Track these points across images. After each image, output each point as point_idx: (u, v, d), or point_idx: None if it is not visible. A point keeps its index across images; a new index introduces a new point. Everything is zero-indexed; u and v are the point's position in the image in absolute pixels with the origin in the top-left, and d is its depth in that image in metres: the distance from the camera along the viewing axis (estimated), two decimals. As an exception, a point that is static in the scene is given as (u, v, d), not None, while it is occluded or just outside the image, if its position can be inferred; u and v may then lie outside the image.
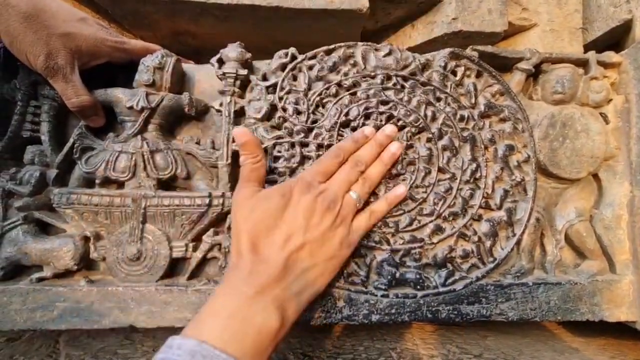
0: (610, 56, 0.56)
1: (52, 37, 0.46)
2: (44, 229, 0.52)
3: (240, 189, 0.44)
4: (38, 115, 0.52)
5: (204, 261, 0.52)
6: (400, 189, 0.50)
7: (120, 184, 0.52)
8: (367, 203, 0.49)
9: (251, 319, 0.35)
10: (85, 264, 0.51)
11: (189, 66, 0.58)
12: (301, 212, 0.41)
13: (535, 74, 0.57)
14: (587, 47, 0.71)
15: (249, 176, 0.45)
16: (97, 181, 0.51)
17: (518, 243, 0.54)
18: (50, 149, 0.52)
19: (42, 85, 0.52)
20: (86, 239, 0.50)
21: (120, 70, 0.56)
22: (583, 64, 0.56)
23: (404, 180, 0.52)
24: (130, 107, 0.51)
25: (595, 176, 0.57)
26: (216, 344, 0.32)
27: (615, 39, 0.66)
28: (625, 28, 0.63)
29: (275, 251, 0.39)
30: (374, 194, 0.50)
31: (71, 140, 0.52)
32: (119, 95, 0.52)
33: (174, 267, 0.52)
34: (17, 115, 0.51)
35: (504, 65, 0.57)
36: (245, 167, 0.45)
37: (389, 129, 0.50)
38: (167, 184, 0.53)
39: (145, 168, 0.51)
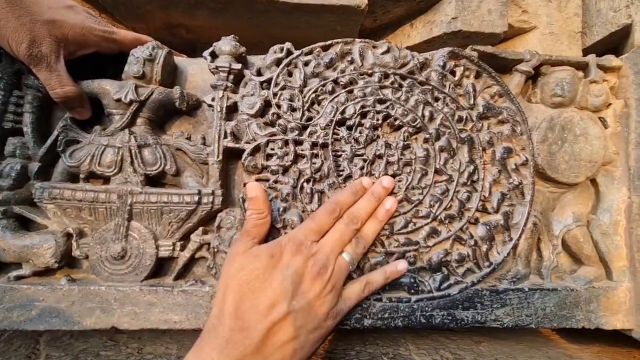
0: (610, 60, 0.55)
1: (36, 23, 0.44)
2: (24, 225, 0.50)
3: (236, 242, 0.43)
4: (21, 106, 0.50)
5: (191, 261, 0.50)
6: (401, 265, 0.47)
7: (106, 179, 0.50)
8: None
9: None
10: (67, 262, 0.49)
11: (181, 59, 0.57)
12: (290, 276, 0.39)
13: (534, 77, 0.57)
14: (586, 51, 0.71)
15: (249, 230, 0.43)
16: (81, 176, 0.49)
17: (514, 248, 0.53)
18: (32, 141, 0.50)
19: (26, 75, 0.50)
20: (68, 235, 0.48)
21: (109, 62, 0.54)
22: (583, 67, 0.56)
23: (400, 181, 0.51)
24: (118, 100, 0.49)
25: (593, 181, 0.56)
26: None
27: (614, 43, 0.66)
28: (625, 33, 0.62)
29: (257, 319, 0.37)
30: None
31: (55, 132, 0.49)
32: (107, 87, 0.50)
33: (160, 267, 0.50)
34: (-1, 105, 0.49)
35: (504, 66, 0.56)
36: (249, 222, 0.44)
37: (386, 181, 0.48)
38: (155, 180, 0.51)
39: (132, 163, 0.49)
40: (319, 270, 0.40)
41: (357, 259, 0.45)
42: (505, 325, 0.50)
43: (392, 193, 0.50)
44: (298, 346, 0.39)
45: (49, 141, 0.49)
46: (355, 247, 0.45)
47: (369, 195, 0.47)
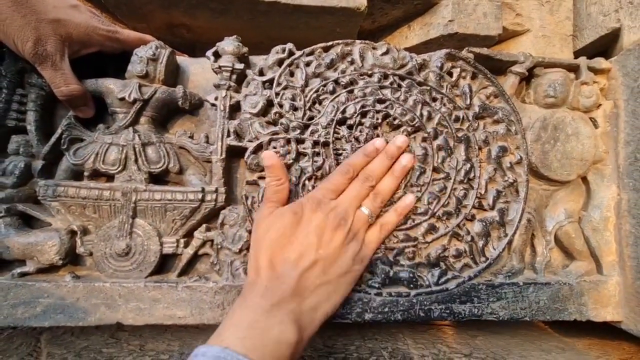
0: (600, 62, 0.57)
1: (41, 22, 0.44)
2: (28, 222, 0.51)
3: (260, 209, 0.46)
4: (24, 104, 0.50)
5: (195, 258, 0.51)
6: (408, 198, 0.50)
7: (110, 177, 0.50)
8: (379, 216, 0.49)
9: (269, 330, 0.36)
10: (71, 259, 0.49)
11: (183, 59, 0.57)
12: (313, 230, 0.42)
13: (528, 78, 0.58)
14: (577, 54, 0.73)
15: (270, 197, 0.46)
16: (85, 173, 0.50)
17: (509, 243, 0.54)
18: (36, 139, 0.50)
19: (30, 73, 0.50)
20: (72, 233, 0.48)
21: (112, 61, 0.54)
22: (574, 69, 0.58)
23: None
24: (122, 99, 0.50)
25: (584, 179, 0.58)
26: (238, 350, 0.33)
27: (604, 46, 0.68)
28: (614, 36, 0.65)
29: (289, 268, 0.41)
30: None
31: (59, 130, 0.50)
32: (111, 85, 0.50)
33: (164, 264, 0.51)
34: (2, 103, 0.49)
35: (499, 68, 0.58)
36: (268, 189, 0.46)
37: (400, 140, 0.50)
38: (158, 178, 0.52)
39: (136, 161, 0.49)
40: (339, 222, 0.43)
41: (376, 212, 0.48)
42: (501, 318, 0.52)
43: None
44: (331, 289, 0.43)
45: (53, 139, 0.50)
46: (373, 202, 0.47)
47: (382, 155, 0.49)
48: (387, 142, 0.50)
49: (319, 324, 0.41)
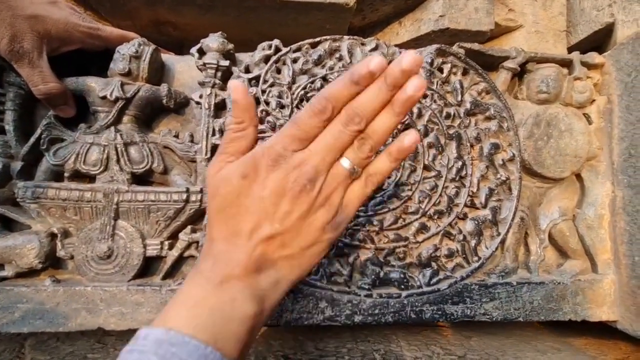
0: (593, 57, 0.57)
1: (17, 18, 0.43)
2: (7, 225, 0.49)
3: (212, 161, 0.36)
4: (2, 104, 0.49)
5: (180, 260, 0.50)
6: (409, 137, 0.34)
7: (91, 178, 0.49)
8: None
9: (220, 307, 0.31)
10: (52, 262, 0.48)
11: (168, 57, 0.56)
12: (267, 197, 0.33)
13: (520, 74, 0.58)
14: (570, 49, 0.72)
15: (225, 147, 0.35)
16: (66, 174, 0.48)
17: (502, 242, 0.53)
18: (15, 139, 0.49)
19: (8, 72, 0.49)
20: (53, 235, 0.47)
21: (95, 59, 0.53)
22: (567, 64, 0.57)
23: (389, 177, 0.51)
24: (104, 97, 0.48)
25: (578, 176, 0.57)
26: (185, 330, 0.29)
27: (598, 41, 0.67)
28: (607, 31, 0.64)
29: (242, 241, 0.33)
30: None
31: (38, 130, 0.48)
32: (92, 84, 0.49)
33: (147, 267, 0.49)
34: (-21, 102, 0.48)
35: (490, 63, 0.57)
36: (226, 135, 0.36)
37: (407, 59, 0.30)
38: (142, 179, 0.50)
39: (118, 161, 0.48)
40: (303, 185, 0.32)
41: (362, 165, 0.35)
42: (494, 319, 0.51)
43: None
44: (295, 262, 0.35)
45: (32, 139, 0.48)
46: (359, 150, 0.33)
47: (380, 82, 0.32)
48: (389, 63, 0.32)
49: (283, 293, 0.36)
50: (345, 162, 0.34)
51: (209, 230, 0.35)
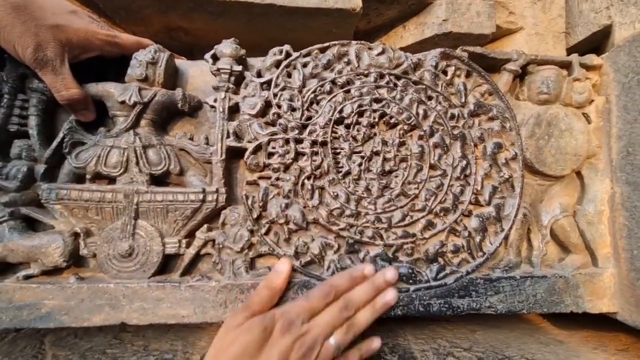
0: (591, 59, 0.59)
1: (41, 28, 0.45)
2: (32, 226, 0.51)
3: (235, 314, 0.44)
4: (26, 109, 0.51)
5: (197, 257, 0.52)
6: (374, 343, 0.49)
7: (112, 180, 0.51)
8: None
9: None
10: (75, 260, 0.50)
11: (181, 62, 0.58)
12: (277, 354, 0.41)
13: (521, 75, 0.59)
14: (569, 51, 0.74)
15: (252, 305, 0.44)
16: (87, 176, 0.50)
17: (506, 238, 0.55)
18: (38, 143, 0.51)
19: (30, 79, 0.51)
20: (76, 235, 0.49)
21: (112, 65, 0.55)
22: (567, 66, 0.59)
23: (396, 176, 0.53)
24: (123, 102, 0.50)
25: (579, 173, 0.59)
26: None
27: (596, 43, 0.69)
28: (605, 33, 0.66)
29: None
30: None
31: (61, 134, 0.51)
32: (111, 89, 0.51)
33: (166, 264, 0.51)
34: (4, 108, 0.50)
35: (492, 66, 0.59)
36: (257, 296, 0.45)
37: (390, 274, 0.48)
38: (159, 180, 0.52)
39: (137, 163, 0.50)
40: (305, 352, 0.42)
41: (345, 345, 0.46)
42: (498, 312, 0.53)
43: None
44: None
45: (55, 143, 0.50)
46: (345, 335, 0.45)
47: (368, 284, 0.47)
48: (376, 271, 0.49)
49: None
50: (333, 341, 0.44)
51: None
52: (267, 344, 0.41)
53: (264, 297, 0.45)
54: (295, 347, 0.41)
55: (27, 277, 0.48)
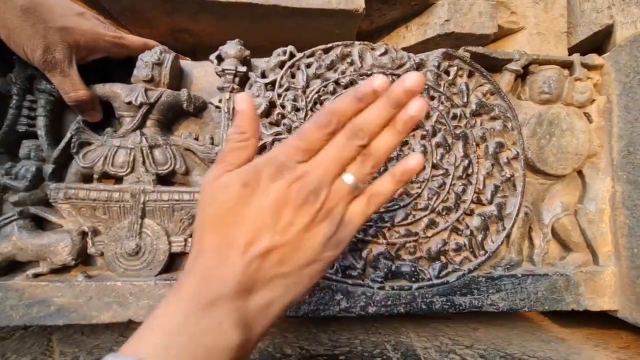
0: (593, 58, 0.59)
1: (49, 30, 0.46)
2: (40, 225, 0.52)
3: (210, 169, 0.34)
4: (34, 110, 0.52)
5: (202, 256, 0.52)
6: (413, 159, 0.34)
7: (119, 179, 0.52)
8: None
9: (202, 336, 0.28)
10: (83, 259, 0.51)
11: (186, 63, 0.59)
12: (268, 206, 0.30)
13: (523, 75, 0.60)
14: (571, 50, 0.74)
15: (226, 156, 0.33)
16: (95, 176, 0.51)
17: (508, 236, 0.56)
18: (46, 143, 0.51)
19: (38, 80, 0.52)
20: (84, 234, 0.50)
21: (118, 66, 0.56)
22: (568, 65, 0.59)
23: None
24: (129, 103, 0.51)
25: (580, 172, 0.60)
26: None
27: (598, 42, 0.69)
28: (607, 32, 0.66)
29: (236, 254, 0.30)
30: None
31: (68, 134, 0.51)
32: (117, 90, 0.52)
33: (172, 262, 0.52)
34: (13, 109, 0.51)
35: (494, 66, 0.59)
36: (227, 144, 0.34)
37: (411, 79, 0.31)
38: (165, 180, 0.53)
39: (144, 163, 0.51)
40: (306, 196, 0.31)
41: (365, 180, 0.34)
42: (500, 309, 0.53)
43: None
44: (291, 281, 0.32)
45: (63, 143, 0.51)
46: (361, 166, 0.33)
47: (383, 100, 0.32)
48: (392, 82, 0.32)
49: (274, 318, 0.32)
50: (348, 177, 0.33)
51: (197, 242, 0.32)
52: (254, 196, 0.31)
53: (234, 144, 0.33)
54: (293, 192, 0.31)
55: (36, 275, 0.49)
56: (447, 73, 0.57)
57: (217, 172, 0.33)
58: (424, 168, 0.54)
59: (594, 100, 0.59)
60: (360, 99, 0.32)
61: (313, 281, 0.33)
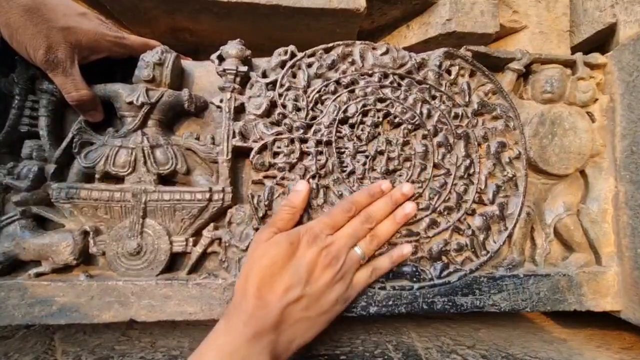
0: (596, 57, 0.59)
1: (52, 30, 0.46)
2: (42, 224, 0.52)
3: (262, 231, 0.46)
4: (36, 110, 0.52)
5: (204, 255, 0.52)
6: (406, 249, 0.50)
7: (120, 179, 0.52)
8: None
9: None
10: (84, 259, 0.51)
11: (187, 63, 0.59)
12: (304, 264, 0.43)
13: (525, 74, 0.60)
14: (574, 49, 0.74)
15: (276, 222, 0.46)
16: (96, 176, 0.51)
17: (510, 236, 0.56)
18: (48, 143, 0.52)
19: (40, 80, 0.52)
20: (85, 233, 0.50)
21: (119, 66, 0.56)
22: (571, 64, 0.59)
23: (400, 175, 0.54)
24: (130, 103, 0.51)
25: (582, 172, 0.59)
26: None
27: (601, 41, 0.69)
28: (610, 31, 0.66)
29: (275, 299, 0.41)
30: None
31: (70, 134, 0.51)
32: (119, 90, 0.52)
33: (174, 262, 0.52)
34: (15, 109, 0.51)
35: (496, 65, 0.59)
36: (279, 213, 0.47)
37: (407, 187, 0.50)
38: (166, 179, 0.53)
39: (145, 163, 0.51)
40: (330, 261, 0.44)
41: (369, 254, 0.48)
42: (502, 310, 0.53)
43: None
44: (309, 325, 0.44)
45: (64, 143, 0.51)
46: (369, 244, 0.47)
47: (386, 198, 0.49)
48: (394, 186, 0.51)
49: (291, 354, 0.43)
50: (358, 250, 0.47)
51: (244, 283, 0.42)
52: (295, 256, 0.43)
53: (285, 215, 0.47)
54: (322, 257, 0.43)
55: (39, 275, 0.49)
56: (449, 72, 0.56)
57: (269, 233, 0.45)
58: (425, 168, 0.54)
59: (596, 99, 0.59)
60: (372, 195, 0.49)
61: (323, 327, 0.45)
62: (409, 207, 0.50)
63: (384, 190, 0.50)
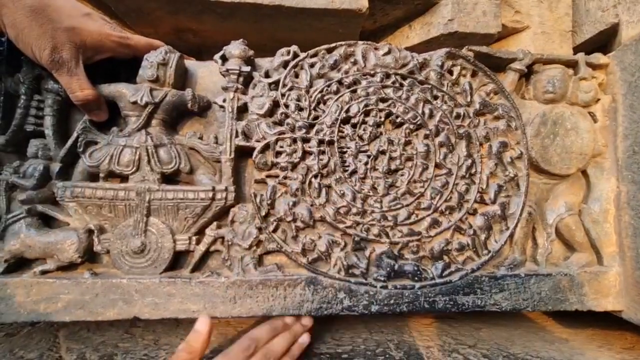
0: (598, 58, 0.59)
1: (57, 31, 0.46)
2: (47, 222, 0.53)
3: None
4: (41, 109, 0.53)
5: (206, 254, 0.53)
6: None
7: (124, 178, 0.52)
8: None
9: None
10: (89, 257, 0.51)
11: (191, 63, 0.59)
12: None
13: (527, 74, 0.60)
14: (576, 49, 0.74)
15: None
16: (101, 175, 0.52)
17: (511, 236, 0.56)
18: (53, 142, 0.52)
19: (46, 80, 0.52)
20: (90, 232, 0.50)
21: (123, 66, 0.56)
22: (573, 65, 0.59)
23: (402, 175, 0.54)
24: (134, 102, 0.52)
25: (584, 172, 0.59)
26: None
27: (603, 41, 0.69)
28: (612, 31, 0.66)
29: None
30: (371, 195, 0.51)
31: (75, 134, 0.52)
32: (123, 90, 0.52)
33: (177, 260, 0.53)
34: (21, 109, 0.52)
35: (498, 65, 0.59)
36: (175, 356, 0.46)
37: (306, 320, 0.54)
38: (170, 179, 0.54)
39: (149, 162, 0.51)
40: None
41: None
42: (503, 309, 0.53)
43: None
44: None
45: (70, 142, 0.52)
46: None
47: (286, 333, 0.51)
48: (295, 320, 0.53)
49: None
50: None
51: None
52: None
53: (181, 355, 0.45)
54: None
55: (44, 272, 0.49)
56: (451, 72, 0.57)
57: None
58: (427, 167, 0.54)
59: (598, 99, 0.59)
60: (274, 329, 0.51)
61: None
62: (304, 339, 0.53)
63: (288, 324, 0.52)
